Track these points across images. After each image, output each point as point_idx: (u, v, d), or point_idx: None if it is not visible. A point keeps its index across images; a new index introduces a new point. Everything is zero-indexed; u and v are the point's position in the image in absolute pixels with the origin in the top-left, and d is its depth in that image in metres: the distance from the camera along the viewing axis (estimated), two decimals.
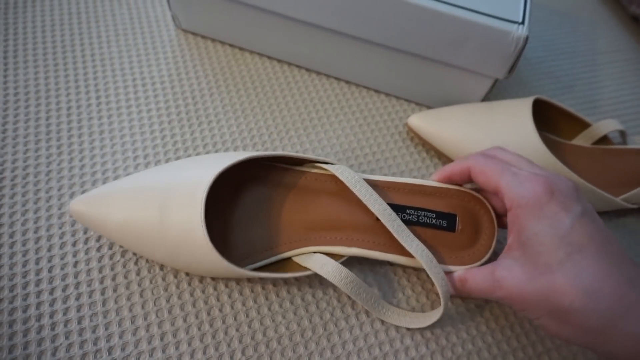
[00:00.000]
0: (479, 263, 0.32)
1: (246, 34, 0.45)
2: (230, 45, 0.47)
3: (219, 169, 0.30)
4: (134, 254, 0.34)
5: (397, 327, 0.33)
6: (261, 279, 0.34)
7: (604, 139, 0.43)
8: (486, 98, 0.43)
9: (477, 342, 0.33)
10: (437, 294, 0.35)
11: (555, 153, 0.42)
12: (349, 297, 0.34)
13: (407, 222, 0.33)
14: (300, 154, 0.35)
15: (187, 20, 0.46)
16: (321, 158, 0.35)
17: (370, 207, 0.31)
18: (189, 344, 0.31)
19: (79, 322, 0.31)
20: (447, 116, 0.41)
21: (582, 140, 0.43)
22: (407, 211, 0.34)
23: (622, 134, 0.43)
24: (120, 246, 0.34)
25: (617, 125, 0.42)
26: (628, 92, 0.51)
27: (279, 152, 0.34)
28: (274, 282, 0.34)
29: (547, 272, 0.26)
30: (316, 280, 0.35)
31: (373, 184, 0.34)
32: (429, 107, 0.45)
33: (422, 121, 0.41)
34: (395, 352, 0.32)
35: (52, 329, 0.31)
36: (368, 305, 0.32)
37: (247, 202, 0.35)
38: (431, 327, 0.33)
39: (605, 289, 0.25)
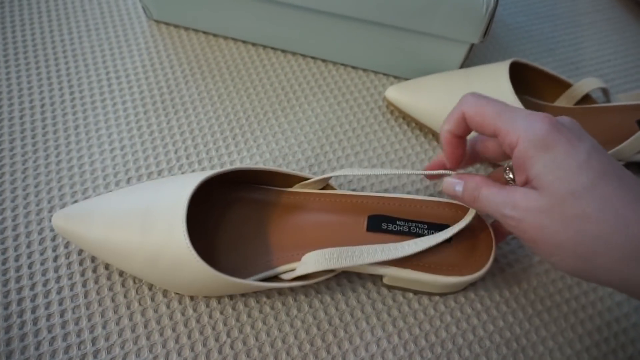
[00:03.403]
0: (479, 273, 0.31)
1: (218, 19, 0.45)
2: (204, 33, 0.47)
3: (198, 182, 0.29)
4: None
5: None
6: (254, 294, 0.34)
7: (587, 99, 0.42)
8: (464, 65, 0.42)
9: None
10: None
11: None
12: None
13: (398, 233, 0.32)
14: (282, 169, 0.33)
15: (158, 11, 0.46)
16: (305, 174, 0.33)
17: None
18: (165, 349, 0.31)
19: (62, 316, 0.31)
20: (424, 86, 0.40)
21: (564, 101, 0.43)
22: (398, 222, 0.33)
23: (605, 91, 0.42)
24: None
25: (599, 83, 0.41)
26: (610, 52, 0.50)
27: (262, 166, 0.33)
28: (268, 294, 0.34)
29: (571, 198, 0.24)
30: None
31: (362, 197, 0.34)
32: (407, 80, 0.45)
33: (400, 93, 0.41)
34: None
35: (35, 323, 0.31)
36: (370, 259, 0.30)
37: (233, 223, 0.33)
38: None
39: (635, 213, 0.23)
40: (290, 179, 0.34)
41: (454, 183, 0.29)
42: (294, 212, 0.34)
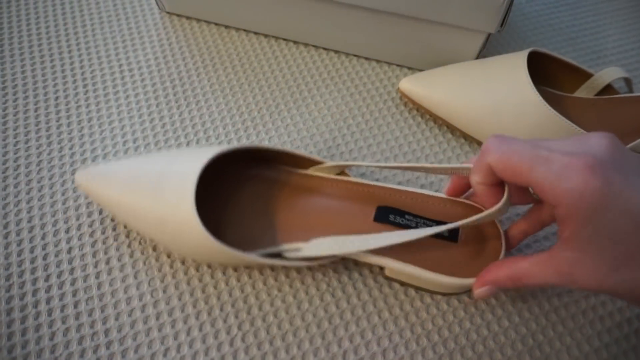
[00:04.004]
0: None
1: (230, 10, 0.44)
2: (216, 24, 0.47)
3: (213, 155, 0.29)
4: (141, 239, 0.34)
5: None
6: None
7: (608, 89, 0.41)
8: (481, 56, 0.41)
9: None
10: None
11: (558, 107, 0.40)
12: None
13: (404, 227, 0.32)
14: (298, 151, 0.33)
15: (170, 2, 0.46)
16: (319, 158, 0.33)
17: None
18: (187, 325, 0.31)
19: (75, 307, 0.31)
20: (439, 77, 0.39)
21: (584, 92, 0.41)
22: (406, 216, 0.32)
23: (628, 81, 0.41)
24: (114, 229, 0.34)
25: (621, 72, 0.40)
26: (633, 40, 0.48)
27: (279, 147, 0.33)
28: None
29: (632, 260, 0.23)
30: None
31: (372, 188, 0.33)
32: (421, 71, 0.44)
33: (414, 84, 0.40)
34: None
35: (49, 314, 0.31)
36: (373, 245, 0.29)
37: (244, 198, 0.34)
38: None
39: None
40: (305, 162, 0.34)
41: (490, 291, 0.28)
42: (305, 194, 0.34)
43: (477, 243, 0.31)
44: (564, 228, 0.24)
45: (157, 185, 0.30)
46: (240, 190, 0.34)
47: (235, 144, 0.31)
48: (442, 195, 0.33)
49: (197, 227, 0.28)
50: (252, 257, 0.29)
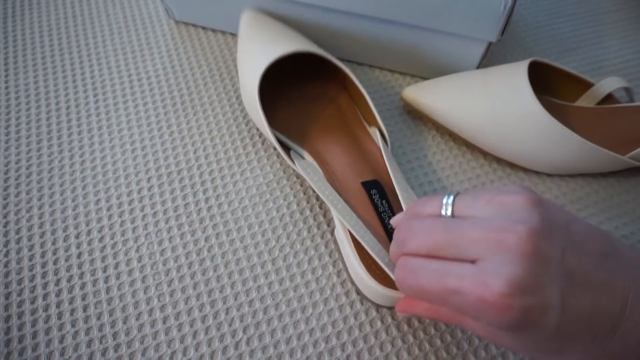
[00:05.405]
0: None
1: (238, 19, 0.45)
2: (222, 33, 0.48)
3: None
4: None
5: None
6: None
7: (609, 98, 0.41)
8: (482, 64, 0.42)
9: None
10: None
11: (559, 116, 0.41)
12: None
13: (374, 206, 0.34)
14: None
15: (180, 11, 0.47)
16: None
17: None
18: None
19: (85, 310, 0.32)
20: (442, 86, 0.40)
21: (585, 101, 0.42)
22: (383, 201, 0.34)
23: (628, 91, 0.41)
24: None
25: (621, 82, 0.40)
26: (634, 50, 0.49)
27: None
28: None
29: (545, 354, 0.23)
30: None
31: None
32: (424, 79, 0.45)
33: (417, 93, 0.41)
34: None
35: (59, 318, 0.32)
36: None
37: (300, 97, 0.41)
38: None
39: None
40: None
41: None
42: (344, 127, 0.39)
43: None
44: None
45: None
46: (312, 86, 0.41)
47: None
48: None
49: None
50: (270, 133, 0.35)
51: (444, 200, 0.24)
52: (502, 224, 0.22)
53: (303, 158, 0.37)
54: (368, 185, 0.35)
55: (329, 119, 0.40)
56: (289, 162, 0.36)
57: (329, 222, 0.36)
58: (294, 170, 0.39)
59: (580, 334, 0.22)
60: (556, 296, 0.21)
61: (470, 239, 0.22)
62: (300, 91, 0.41)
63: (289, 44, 0.37)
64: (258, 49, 0.37)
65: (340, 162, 0.36)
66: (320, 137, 0.38)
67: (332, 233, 0.36)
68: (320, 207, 0.37)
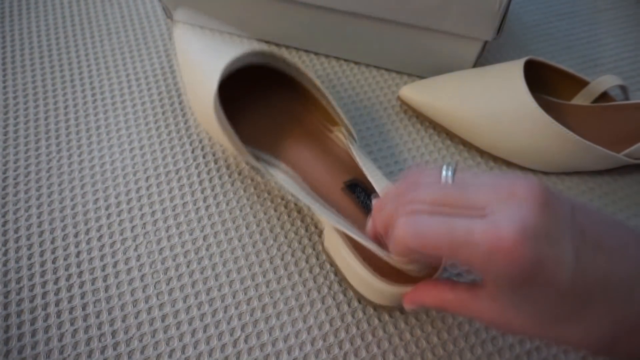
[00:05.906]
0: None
1: (235, 18, 0.45)
2: (220, 32, 0.48)
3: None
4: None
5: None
6: None
7: (605, 96, 0.42)
8: (478, 63, 0.42)
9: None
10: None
11: (555, 114, 0.41)
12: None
13: (362, 206, 0.34)
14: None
15: (178, 11, 0.47)
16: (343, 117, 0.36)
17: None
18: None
19: (84, 309, 0.32)
20: (438, 85, 0.40)
21: (581, 99, 0.42)
22: (370, 197, 0.34)
23: (624, 89, 0.42)
24: None
25: (617, 80, 0.40)
26: (630, 48, 0.49)
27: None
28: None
29: (569, 317, 0.22)
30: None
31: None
32: (421, 78, 0.45)
33: (414, 92, 0.41)
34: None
35: (58, 316, 0.32)
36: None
37: (265, 107, 0.39)
38: None
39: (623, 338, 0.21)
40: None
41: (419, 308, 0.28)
42: (312, 135, 0.38)
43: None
44: (491, 288, 0.22)
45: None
46: (268, 99, 0.39)
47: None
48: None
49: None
50: (244, 150, 0.33)
51: (444, 172, 0.23)
52: (512, 179, 0.21)
53: (275, 166, 0.35)
54: (352, 187, 0.35)
55: (294, 126, 0.38)
56: (267, 176, 0.34)
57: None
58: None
59: (595, 297, 0.21)
60: (570, 251, 0.20)
61: (479, 192, 0.21)
62: (257, 102, 0.39)
63: (238, 48, 0.34)
64: (206, 61, 0.35)
65: (317, 168, 0.36)
66: (291, 146, 0.37)
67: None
68: None
